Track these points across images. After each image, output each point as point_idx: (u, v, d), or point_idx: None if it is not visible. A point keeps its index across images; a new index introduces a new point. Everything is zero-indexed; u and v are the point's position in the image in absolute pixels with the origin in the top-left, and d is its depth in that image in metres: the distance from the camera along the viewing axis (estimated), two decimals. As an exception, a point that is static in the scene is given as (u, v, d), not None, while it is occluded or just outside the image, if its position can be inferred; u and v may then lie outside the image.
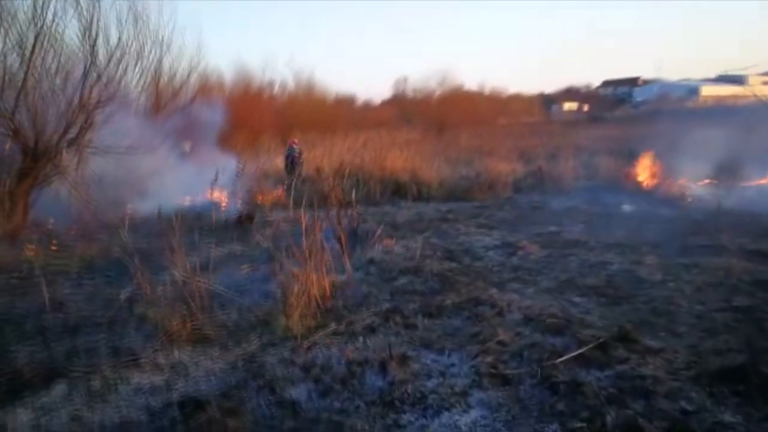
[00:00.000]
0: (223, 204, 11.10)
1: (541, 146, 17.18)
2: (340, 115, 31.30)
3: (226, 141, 17.43)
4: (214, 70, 21.74)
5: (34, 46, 7.60)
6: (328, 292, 5.26)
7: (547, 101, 67.47)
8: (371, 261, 6.65)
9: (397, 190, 12.06)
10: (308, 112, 26.81)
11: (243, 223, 9.30)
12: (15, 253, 7.32)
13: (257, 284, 5.94)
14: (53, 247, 7.87)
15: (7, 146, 7.43)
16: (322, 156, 14.69)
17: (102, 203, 9.29)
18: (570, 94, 74.24)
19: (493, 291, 5.43)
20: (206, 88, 21.12)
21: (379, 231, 7.43)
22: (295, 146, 13.77)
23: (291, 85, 29.74)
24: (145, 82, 10.09)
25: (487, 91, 47.59)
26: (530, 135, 24.93)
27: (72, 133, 8.04)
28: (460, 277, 5.94)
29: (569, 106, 68.42)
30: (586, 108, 62.26)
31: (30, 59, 7.56)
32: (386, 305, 5.18)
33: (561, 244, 7.39)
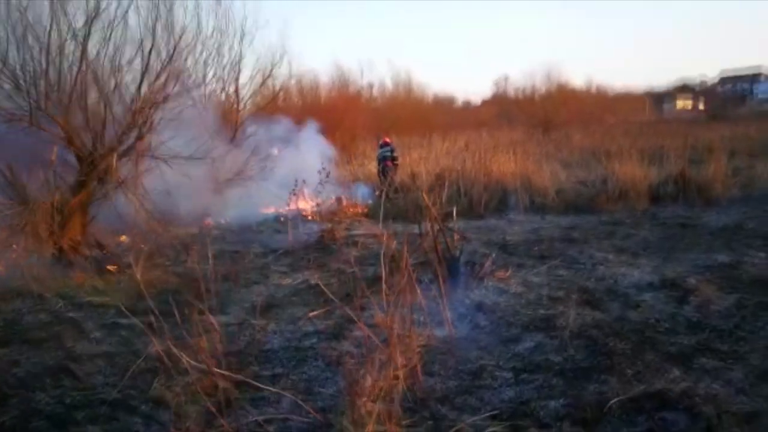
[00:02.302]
0: (309, 215, 9.60)
1: (670, 147, 14.39)
2: (439, 116, 29.44)
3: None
4: (309, 70, 20.60)
5: (87, 34, 6.36)
6: (419, 368, 3.44)
7: (658, 98, 61.81)
8: (480, 306, 4.76)
9: (504, 200, 10.01)
10: (406, 113, 25.15)
11: (325, 241, 7.69)
12: (61, 278, 6.12)
13: (325, 342, 4.22)
14: (111, 269, 6.64)
15: (54, 153, 6.22)
16: (419, 160, 12.86)
17: (170, 217, 8.04)
18: (683, 90, 67.68)
19: (677, 373, 3.39)
20: (301, 90, 20.06)
21: (489, 261, 5.53)
22: (388, 145, 12.01)
23: (389, 86, 28.22)
24: (223, 78, 8.80)
25: (593, 88, 43.86)
26: (649, 134, 21.75)
27: (131, 136, 6.76)
28: (614, 342, 3.92)
29: (683, 103, 62.38)
30: (702, 105, 56.34)
31: (83, 49, 6.32)
32: (508, 394, 3.29)
33: (748, 284, 5.12)
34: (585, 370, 3.53)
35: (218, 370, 3.00)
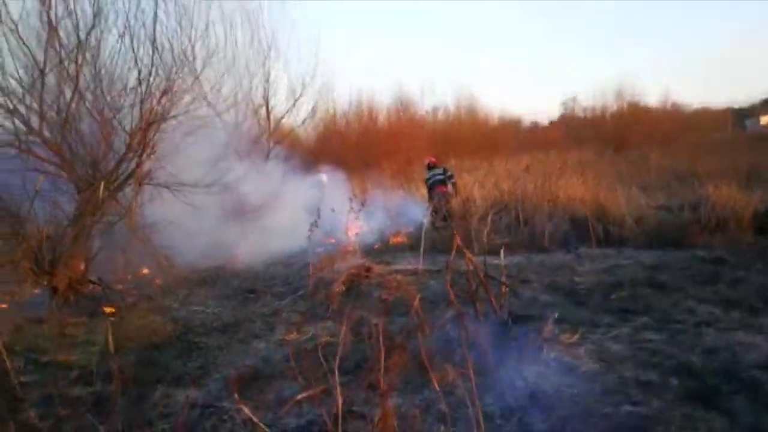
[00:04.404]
0: (345, 247, 8.18)
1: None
2: (504, 137, 27.61)
3: (373, 169, 14.96)
4: (369, 94, 19.55)
5: (84, 49, 5.40)
6: None
7: (739, 115, 56.64)
8: (534, 396, 3.20)
9: (574, 230, 8.26)
10: (468, 136, 23.60)
11: (354, 279, 6.31)
12: (39, 326, 5.09)
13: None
14: (107, 311, 5.56)
15: (39, 181, 5.23)
16: (474, 184, 11.25)
17: (190, 251, 6.96)
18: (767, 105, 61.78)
19: None
20: (360, 113, 19.03)
21: (551, 321, 3.95)
22: (437, 167, 10.46)
23: (451, 108, 26.76)
24: (249, 98, 7.69)
25: (668, 105, 40.44)
26: (736, 153, 19.04)
27: (131, 162, 5.72)
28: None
29: (768, 119, 56.75)
30: (789, 121, 50.91)
31: (78, 64, 5.36)
32: None
33: None
34: None
35: None
